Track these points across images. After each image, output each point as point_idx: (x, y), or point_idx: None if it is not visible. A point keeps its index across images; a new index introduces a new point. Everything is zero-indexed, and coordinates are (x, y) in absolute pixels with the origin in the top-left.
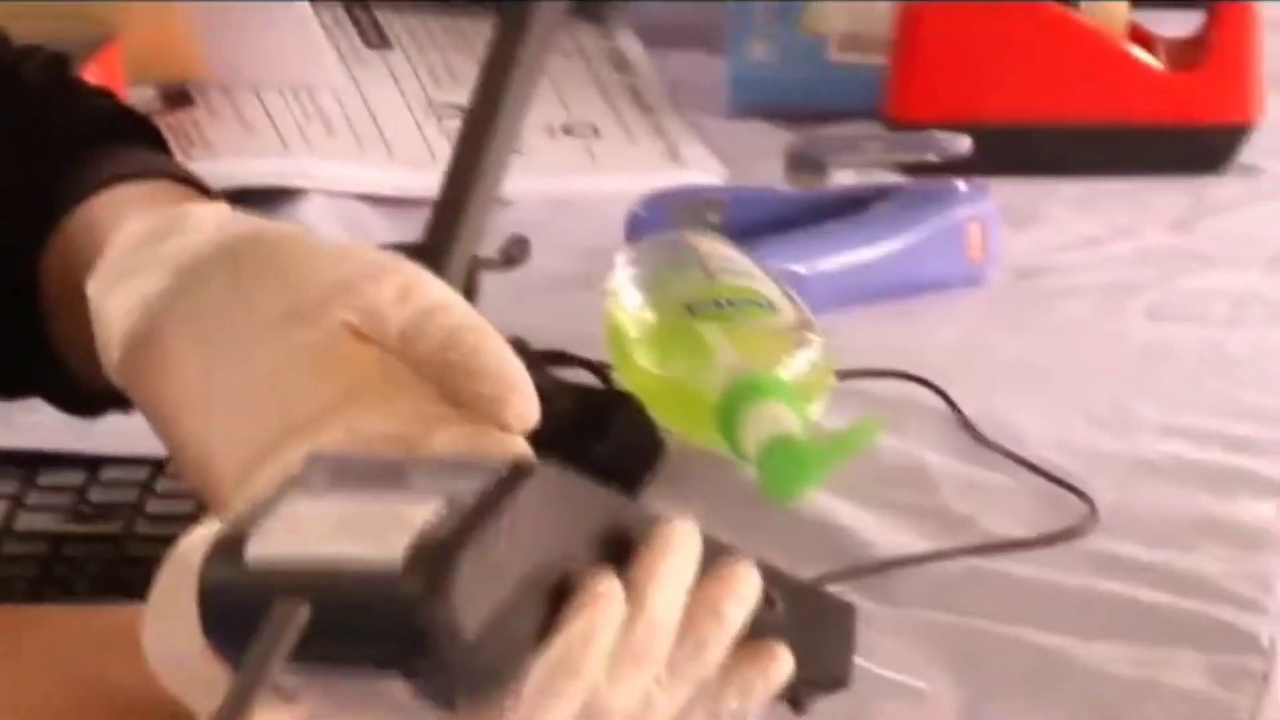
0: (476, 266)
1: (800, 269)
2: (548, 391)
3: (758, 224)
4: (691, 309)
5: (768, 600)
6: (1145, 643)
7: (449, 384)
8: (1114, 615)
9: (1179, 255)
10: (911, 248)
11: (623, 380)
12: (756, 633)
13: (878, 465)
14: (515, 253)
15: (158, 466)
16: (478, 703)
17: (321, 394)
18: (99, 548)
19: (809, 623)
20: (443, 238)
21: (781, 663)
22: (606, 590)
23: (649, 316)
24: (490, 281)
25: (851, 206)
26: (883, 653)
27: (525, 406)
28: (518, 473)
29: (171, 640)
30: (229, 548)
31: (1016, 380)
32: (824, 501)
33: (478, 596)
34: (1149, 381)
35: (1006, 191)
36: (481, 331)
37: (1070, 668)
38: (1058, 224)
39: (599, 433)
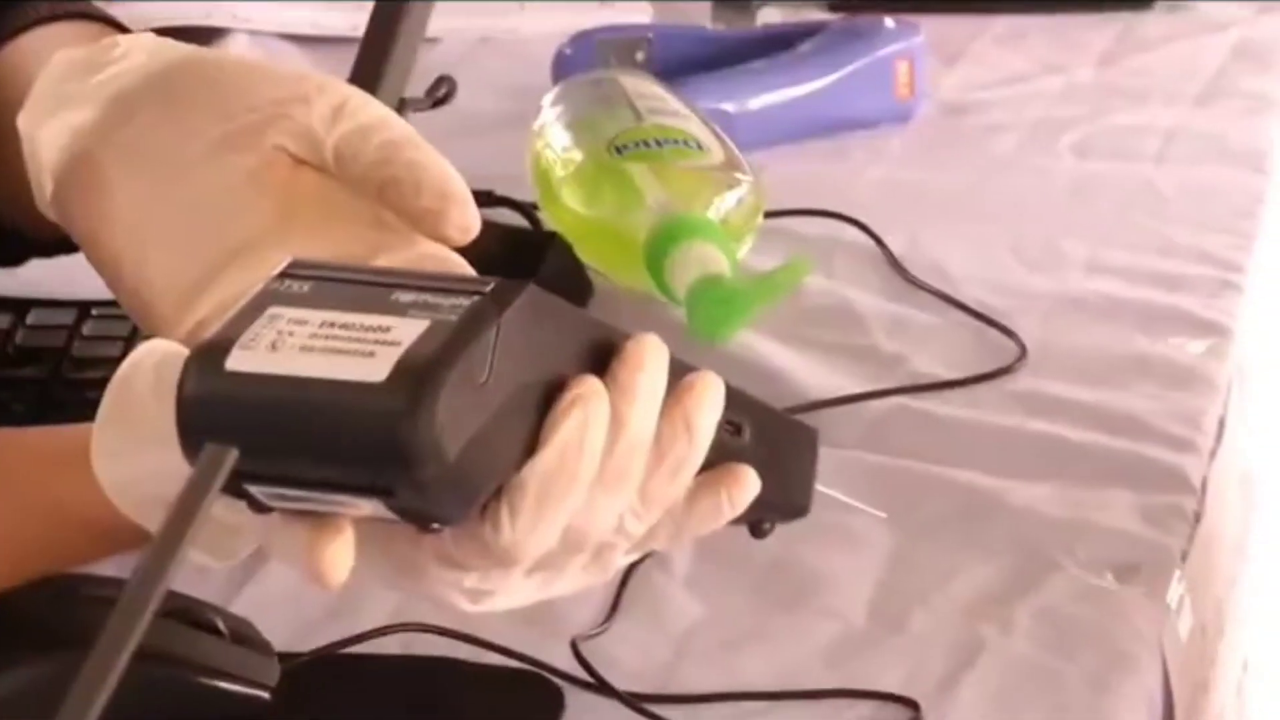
0: (403, 106)
1: (728, 107)
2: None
3: (685, 63)
4: (619, 149)
5: (733, 425)
6: (1076, 482)
7: (387, 200)
8: (1044, 455)
9: (1107, 91)
10: (839, 85)
11: (550, 221)
12: (722, 456)
13: (806, 305)
14: (441, 92)
15: (84, 310)
16: (458, 522)
17: (260, 219)
18: (25, 391)
19: (773, 447)
20: (368, 77)
21: (747, 487)
22: (592, 389)
23: (576, 156)
24: (416, 121)
25: (779, 44)
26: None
27: (466, 218)
28: (502, 291)
29: (122, 461)
30: (210, 359)
31: (945, 218)
32: (752, 342)
33: (461, 415)
34: (1078, 219)
35: (934, 28)
36: (418, 146)
37: (1000, 507)
38: (986, 60)
39: (526, 273)
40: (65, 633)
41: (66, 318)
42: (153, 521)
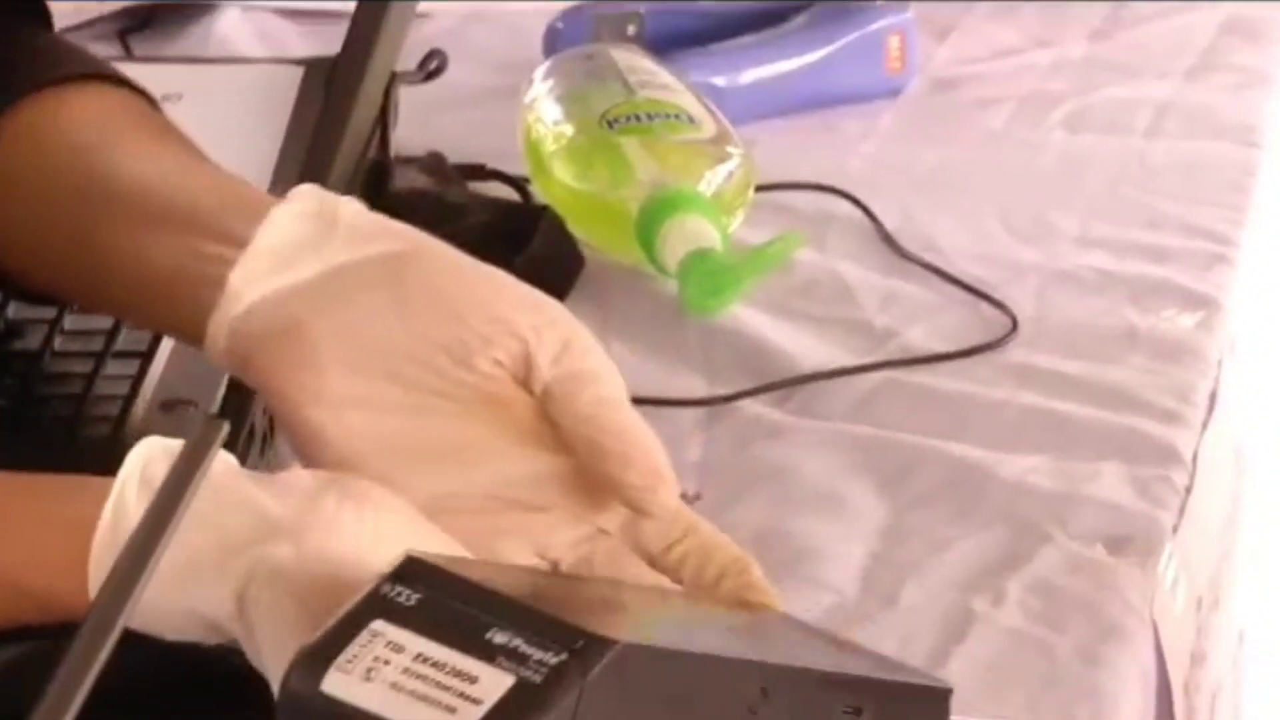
0: (394, 80)
1: (719, 81)
2: (466, 206)
3: (677, 37)
4: (610, 122)
5: (853, 709)
6: (1067, 455)
7: (591, 457)
8: (1035, 427)
9: (1098, 66)
10: (830, 59)
11: (541, 194)
12: None
13: (797, 279)
14: (433, 66)
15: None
16: None
17: (477, 429)
18: None
19: (898, 717)
20: (359, 51)
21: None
22: None
23: (567, 130)
24: (407, 95)
25: (771, 19)
26: (807, 465)
27: (670, 496)
28: (589, 652)
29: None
30: (311, 671)
31: (936, 192)
32: (744, 315)
33: None
34: (1068, 193)
35: (925, 2)
36: (627, 412)
37: (991, 480)
38: (977, 35)
39: (517, 246)
40: None
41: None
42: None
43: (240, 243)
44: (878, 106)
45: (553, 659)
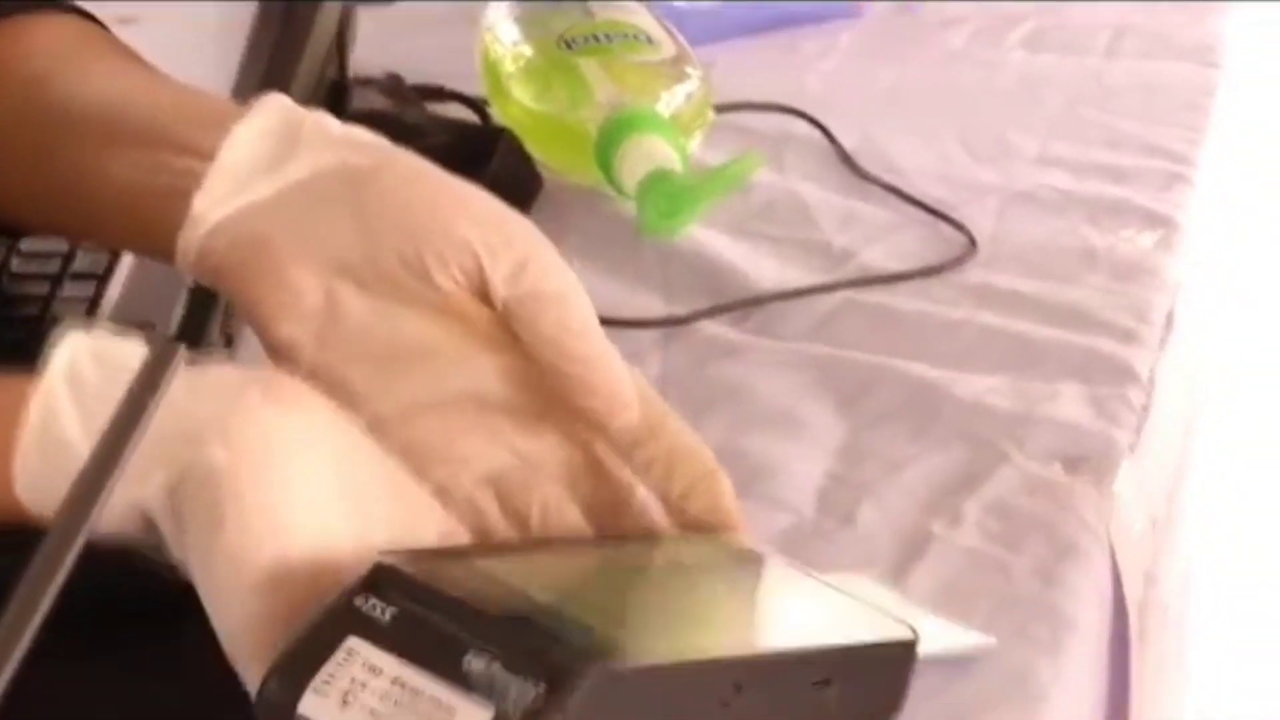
0: (352, 3)
1: (678, 2)
2: (424, 127)
3: None
4: (569, 43)
5: (822, 682)
6: (1024, 374)
7: (554, 381)
8: (993, 347)
9: None
10: None
11: (499, 116)
12: (812, 711)
13: (756, 199)
14: None
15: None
16: None
17: (440, 339)
18: None
19: (867, 679)
20: None
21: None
22: None
23: (526, 51)
24: (366, 17)
25: None
26: (765, 385)
27: (630, 420)
28: (563, 680)
29: (46, 490)
30: (286, 692)
31: (895, 113)
32: (703, 236)
33: None
34: (1027, 113)
35: None
36: (591, 338)
37: (949, 399)
38: None
39: (476, 168)
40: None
41: None
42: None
43: (206, 154)
44: (837, 27)
45: (530, 692)
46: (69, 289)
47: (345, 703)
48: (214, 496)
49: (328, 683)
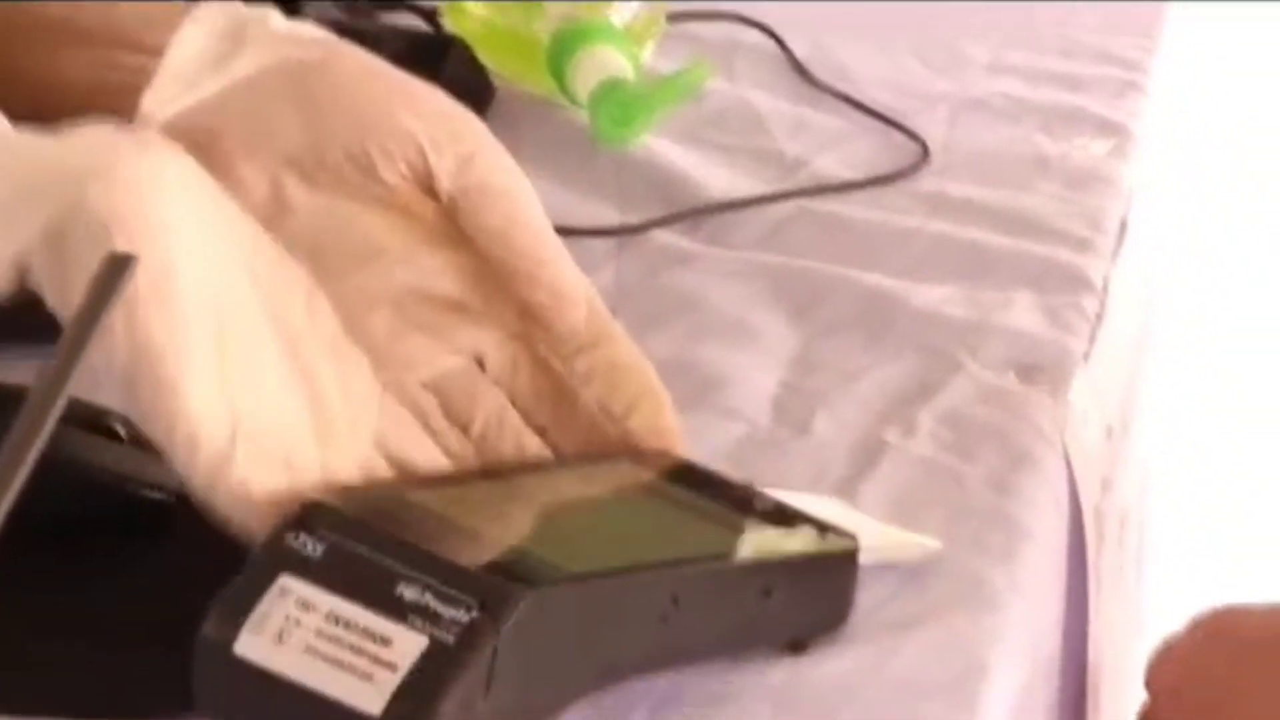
0: None
1: None
2: (376, 35)
3: None
4: None
5: (765, 592)
6: (978, 283)
7: (500, 275)
8: (947, 256)
9: None
10: None
11: (451, 25)
12: (759, 621)
13: (708, 108)
14: None
15: None
16: None
17: (390, 234)
18: None
19: (809, 589)
20: None
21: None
22: None
23: None
24: None
25: None
26: (718, 294)
27: (577, 316)
28: (500, 603)
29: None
30: (222, 634)
31: (847, 21)
32: (655, 145)
33: None
34: (980, 20)
35: None
36: (537, 232)
37: (903, 308)
38: None
39: (427, 77)
40: None
41: None
42: None
43: (158, 52)
44: None
45: (464, 616)
46: None
47: (281, 640)
48: (99, 234)
49: (262, 622)
